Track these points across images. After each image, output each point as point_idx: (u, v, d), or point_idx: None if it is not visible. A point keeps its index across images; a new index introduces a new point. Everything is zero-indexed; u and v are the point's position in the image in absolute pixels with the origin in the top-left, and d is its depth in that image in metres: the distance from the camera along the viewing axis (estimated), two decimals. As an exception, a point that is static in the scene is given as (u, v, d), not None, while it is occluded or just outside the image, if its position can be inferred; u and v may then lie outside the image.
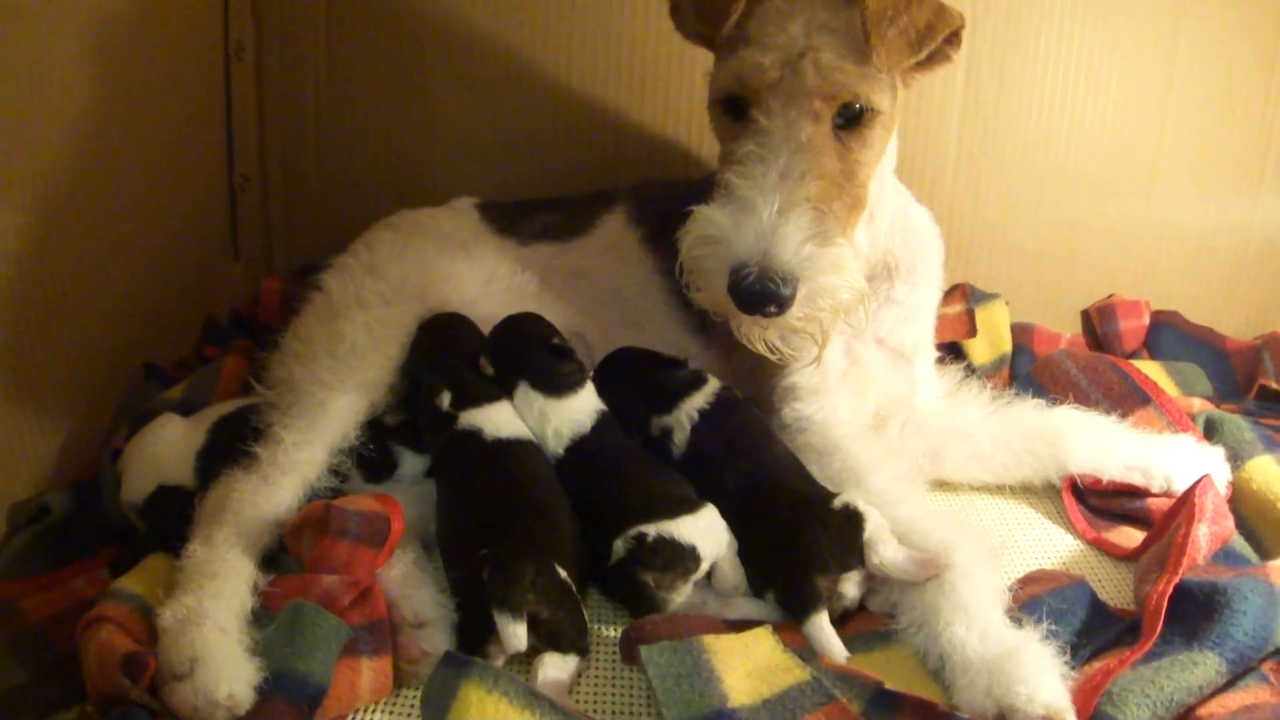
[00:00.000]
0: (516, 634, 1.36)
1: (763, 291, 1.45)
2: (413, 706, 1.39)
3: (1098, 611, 1.52)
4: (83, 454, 1.87)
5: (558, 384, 1.78)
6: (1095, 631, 1.49)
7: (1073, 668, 1.37)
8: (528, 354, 1.82)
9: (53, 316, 1.80)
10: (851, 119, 1.60)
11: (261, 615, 1.43)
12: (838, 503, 1.54)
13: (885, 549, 1.48)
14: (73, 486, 1.79)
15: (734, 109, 1.62)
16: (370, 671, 1.39)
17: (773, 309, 1.47)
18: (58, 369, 1.82)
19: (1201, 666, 1.35)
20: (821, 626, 1.44)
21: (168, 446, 1.72)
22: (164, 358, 2.17)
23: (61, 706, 1.36)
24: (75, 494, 1.78)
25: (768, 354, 1.65)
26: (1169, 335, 2.47)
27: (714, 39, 1.65)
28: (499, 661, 1.38)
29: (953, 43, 1.66)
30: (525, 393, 1.78)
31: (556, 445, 1.75)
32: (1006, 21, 2.37)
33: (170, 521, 1.59)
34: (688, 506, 1.57)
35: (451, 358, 1.84)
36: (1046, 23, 2.38)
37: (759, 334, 1.61)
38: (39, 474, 1.77)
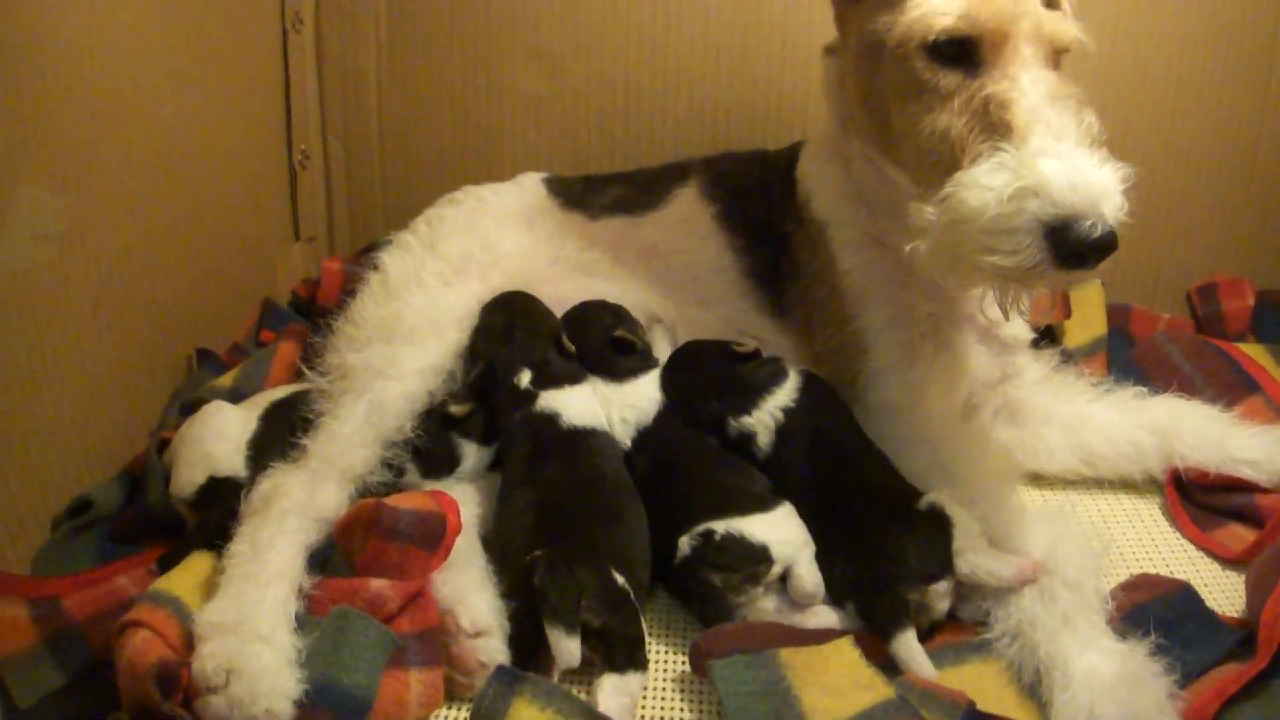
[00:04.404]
0: (570, 650, 1.29)
1: (1105, 242, 1.27)
2: (463, 723, 1.33)
3: (1206, 621, 1.42)
4: (132, 443, 1.82)
5: (618, 371, 1.74)
6: (1204, 644, 1.37)
7: (1181, 685, 1.28)
8: (588, 344, 1.77)
9: (99, 300, 1.74)
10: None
11: (306, 620, 1.36)
12: (923, 503, 1.44)
13: (976, 555, 1.38)
14: (120, 478, 1.75)
15: (946, 55, 1.44)
16: (419, 684, 1.32)
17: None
18: (105, 354, 1.77)
19: (1327, 688, 1.24)
20: (909, 645, 1.34)
21: (218, 435, 1.66)
22: (220, 342, 2.13)
23: (97, 714, 1.31)
24: (122, 486, 1.73)
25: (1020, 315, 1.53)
26: (1275, 316, 2.33)
27: None
28: (554, 676, 1.31)
29: None
30: (590, 378, 1.75)
31: (624, 433, 1.69)
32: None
33: (222, 515, 1.52)
34: (761, 504, 1.49)
35: (528, 335, 1.76)
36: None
37: (1043, 291, 1.47)
38: (85, 463, 1.72)
